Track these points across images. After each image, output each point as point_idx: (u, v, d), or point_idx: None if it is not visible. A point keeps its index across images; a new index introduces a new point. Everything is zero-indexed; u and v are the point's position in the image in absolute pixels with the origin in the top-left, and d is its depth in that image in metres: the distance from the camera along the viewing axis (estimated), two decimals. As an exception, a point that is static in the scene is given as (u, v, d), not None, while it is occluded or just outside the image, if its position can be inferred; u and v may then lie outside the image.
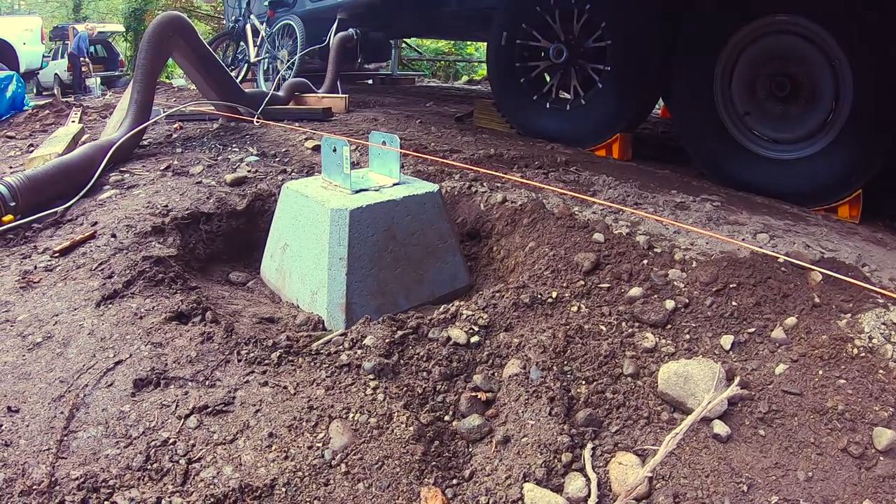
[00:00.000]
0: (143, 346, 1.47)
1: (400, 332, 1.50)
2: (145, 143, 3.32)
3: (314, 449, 1.20)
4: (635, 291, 1.65)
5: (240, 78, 6.20)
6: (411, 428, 1.26)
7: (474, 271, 2.13)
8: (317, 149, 3.00)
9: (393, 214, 1.82)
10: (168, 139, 3.45)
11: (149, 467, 1.16)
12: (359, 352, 1.44)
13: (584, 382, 1.37)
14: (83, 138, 3.60)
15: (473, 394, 1.38)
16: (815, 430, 1.25)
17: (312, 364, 1.44)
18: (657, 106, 5.55)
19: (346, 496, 1.13)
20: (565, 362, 1.41)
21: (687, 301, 1.61)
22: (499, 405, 1.36)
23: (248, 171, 2.70)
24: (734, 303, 1.58)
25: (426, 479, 1.18)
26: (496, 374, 1.42)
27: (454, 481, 1.21)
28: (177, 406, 1.28)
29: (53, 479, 1.13)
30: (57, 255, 1.95)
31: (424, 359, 1.44)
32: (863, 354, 1.38)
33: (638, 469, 1.18)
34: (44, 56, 12.69)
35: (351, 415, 1.27)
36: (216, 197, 2.37)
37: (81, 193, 2.41)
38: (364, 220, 1.75)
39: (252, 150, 3.04)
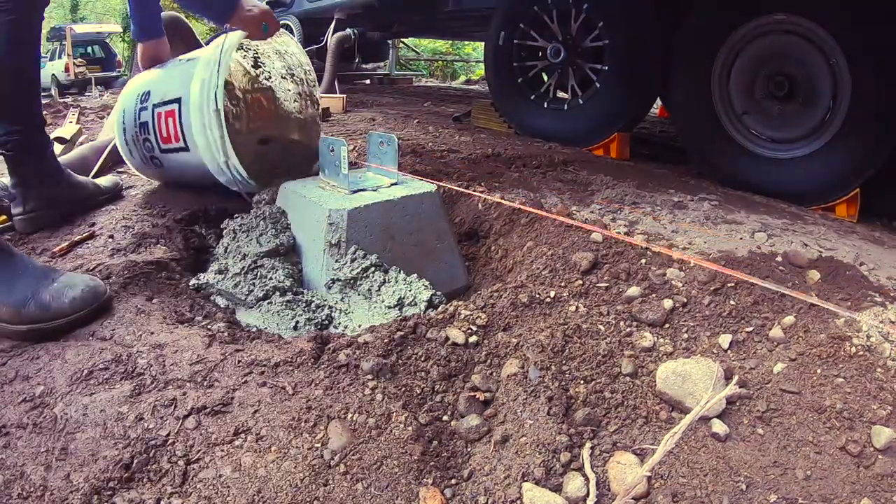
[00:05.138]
0: (141, 347, 1.47)
1: (398, 333, 1.50)
2: (143, 143, 3.31)
3: (313, 449, 1.20)
4: (633, 291, 1.65)
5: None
6: (410, 428, 1.25)
7: (472, 271, 2.13)
8: (315, 149, 2.99)
9: (391, 214, 1.82)
10: (166, 140, 3.43)
11: (148, 468, 1.16)
12: (357, 352, 1.44)
13: (582, 382, 1.37)
14: (81, 139, 3.59)
15: (472, 393, 1.38)
16: (813, 428, 1.25)
17: (311, 364, 1.44)
18: (655, 105, 5.55)
19: (345, 496, 1.13)
20: (563, 362, 1.41)
21: (685, 300, 1.61)
22: (497, 405, 1.36)
23: (246, 172, 2.70)
24: (732, 302, 1.58)
25: (425, 479, 1.18)
26: (494, 373, 1.42)
27: (453, 481, 1.21)
28: (175, 407, 1.27)
29: (53, 480, 1.12)
30: (56, 256, 1.94)
31: (423, 359, 1.44)
32: (861, 353, 1.38)
33: (637, 468, 1.18)
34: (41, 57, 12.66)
35: (349, 415, 1.27)
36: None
37: (79, 194, 2.40)
38: (362, 221, 1.75)
39: (250, 151, 3.03)
